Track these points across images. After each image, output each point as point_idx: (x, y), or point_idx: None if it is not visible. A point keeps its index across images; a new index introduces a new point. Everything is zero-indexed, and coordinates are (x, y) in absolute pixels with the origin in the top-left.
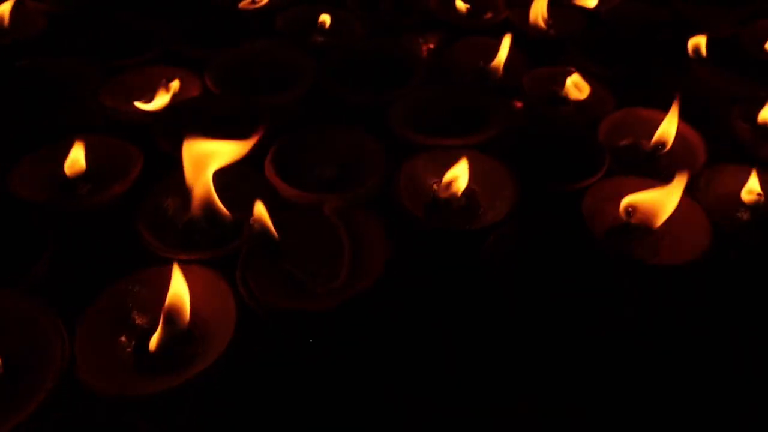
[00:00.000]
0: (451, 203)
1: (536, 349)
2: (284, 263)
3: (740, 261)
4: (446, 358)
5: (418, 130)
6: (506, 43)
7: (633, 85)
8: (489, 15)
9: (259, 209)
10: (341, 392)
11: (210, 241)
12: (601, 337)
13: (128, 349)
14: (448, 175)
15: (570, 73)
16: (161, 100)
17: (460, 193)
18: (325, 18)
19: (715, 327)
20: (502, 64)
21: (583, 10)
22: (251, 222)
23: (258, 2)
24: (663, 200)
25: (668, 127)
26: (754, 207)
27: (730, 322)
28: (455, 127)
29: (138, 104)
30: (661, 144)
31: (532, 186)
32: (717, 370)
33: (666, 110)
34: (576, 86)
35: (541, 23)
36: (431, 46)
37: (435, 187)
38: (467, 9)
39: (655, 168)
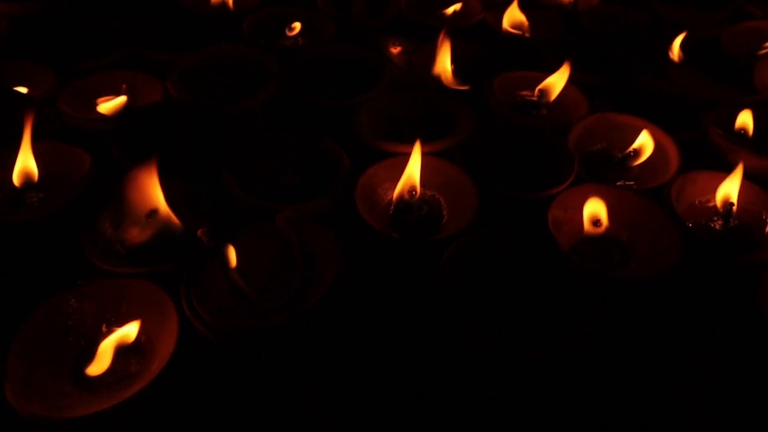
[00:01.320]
0: (411, 212)
1: (492, 366)
2: (233, 277)
3: (712, 271)
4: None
5: (384, 136)
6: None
7: (609, 89)
8: (464, 17)
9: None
10: (290, 407)
11: (160, 254)
12: (562, 351)
13: (66, 368)
14: (400, 184)
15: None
16: (118, 105)
17: (414, 200)
18: (296, 24)
19: (683, 338)
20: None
21: (560, 12)
22: (200, 235)
23: (229, 4)
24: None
25: (646, 138)
26: (726, 215)
27: (700, 332)
28: (423, 132)
29: (101, 107)
30: (635, 153)
31: (496, 194)
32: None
33: (641, 116)
34: (547, 89)
35: (514, 30)
36: (404, 48)
37: (391, 195)
38: (454, 11)
39: (627, 175)
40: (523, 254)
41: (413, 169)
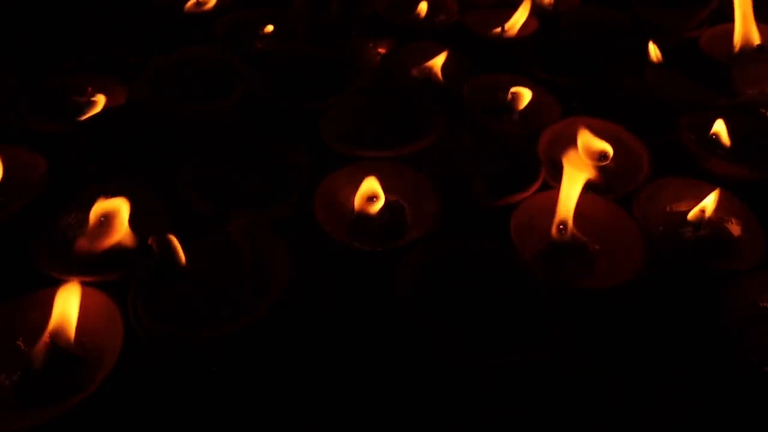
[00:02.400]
0: (373, 220)
1: (454, 378)
2: (183, 286)
3: (677, 281)
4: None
5: (354, 140)
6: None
7: (585, 92)
8: (440, 18)
9: (162, 231)
10: (238, 420)
11: (113, 261)
12: (520, 361)
13: (10, 379)
14: (361, 191)
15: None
16: (82, 110)
17: (376, 209)
18: (268, 26)
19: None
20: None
21: (539, 14)
22: (151, 242)
23: (204, 4)
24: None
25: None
26: (697, 224)
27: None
28: (392, 136)
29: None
30: (602, 156)
31: (460, 201)
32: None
33: (617, 120)
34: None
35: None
36: (381, 50)
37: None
38: (425, 12)
39: (598, 180)
40: (483, 262)
41: (373, 186)
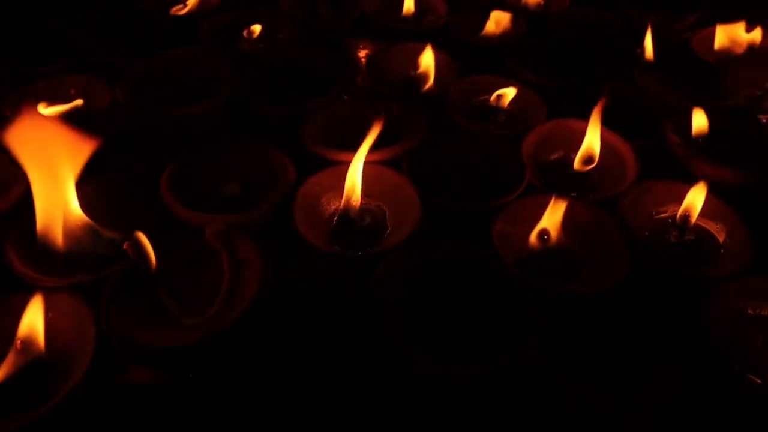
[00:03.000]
0: (353, 223)
1: (430, 383)
2: (158, 291)
3: (661, 286)
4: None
5: (338, 144)
6: (428, 54)
7: (572, 94)
8: (428, 20)
9: (137, 234)
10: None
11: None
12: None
13: None
14: (346, 191)
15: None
16: (59, 110)
17: (356, 211)
18: (255, 27)
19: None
20: (430, 73)
21: (528, 15)
22: (126, 247)
23: (189, 6)
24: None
25: (592, 140)
26: (682, 227)
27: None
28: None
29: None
30: (588, 159)
31: (439, 205)
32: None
33: (605, 122)
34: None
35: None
36: (368, 52)
37: (335, 205)
38: (412, 13)
39: (585, 184)
40: (465, 268)
41: (353, 179)
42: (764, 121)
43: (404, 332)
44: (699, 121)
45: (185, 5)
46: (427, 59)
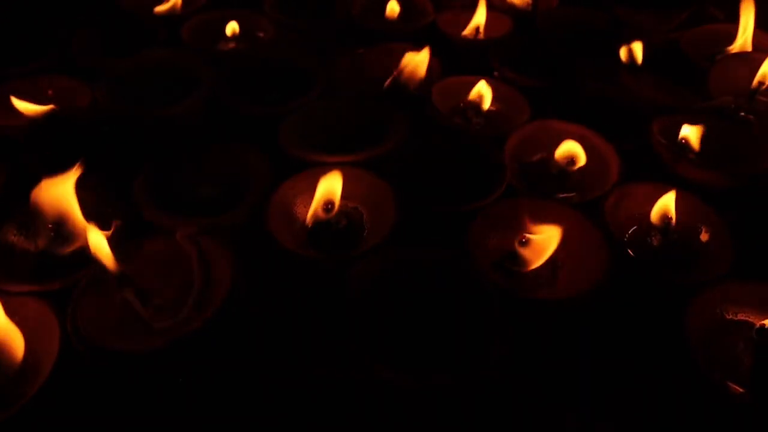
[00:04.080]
0: (329, 226)
1: (400, 392)
2: (127, 294)
3: (640, 291)
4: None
5: (317, 145)
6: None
7: (557, 95)
8: (415, 19)
9: (97, 237)
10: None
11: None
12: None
13: None
14: (318, 197)
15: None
16: (35, 110)
17: (332, 214)
18: (234, 26)
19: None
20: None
21: (515, 14)
22: (92, 251)
23: (170, 3)
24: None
25: (572, 143)
26: (664, 231)
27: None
28: (355, 141)
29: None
30: (569, 160)
31: (417, 207)
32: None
33: (591, 123)
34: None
35: (473, 32)
36: (352, 52)
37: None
38: (398, 14)
39: (567, 186)
40: (437, 272)
41: (329, 182)
42: (752, 121)
43: (371, 340)
44: (687, 131)
45: (168, 3)
46: (410, 59)
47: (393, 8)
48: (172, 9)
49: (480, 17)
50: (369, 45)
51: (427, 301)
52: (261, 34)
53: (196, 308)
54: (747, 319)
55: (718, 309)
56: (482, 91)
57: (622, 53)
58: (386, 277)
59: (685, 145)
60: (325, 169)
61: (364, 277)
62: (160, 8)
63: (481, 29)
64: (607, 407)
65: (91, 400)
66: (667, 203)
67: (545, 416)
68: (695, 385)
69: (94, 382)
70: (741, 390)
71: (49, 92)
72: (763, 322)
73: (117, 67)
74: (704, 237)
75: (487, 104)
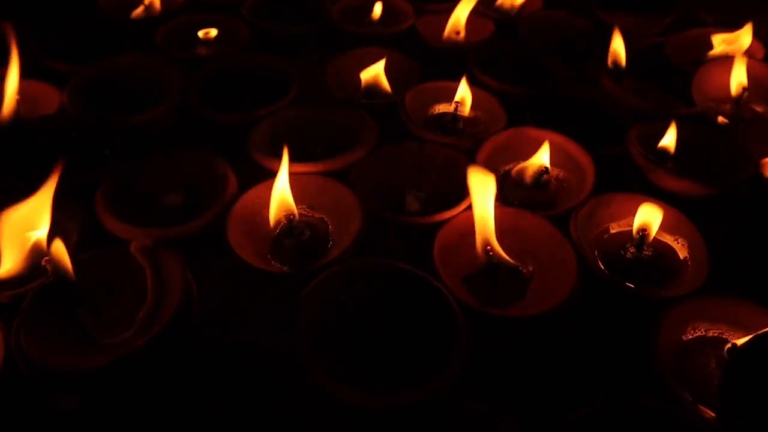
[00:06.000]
0: (292, 237)
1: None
2: (77, 309)
3: (611, 308)
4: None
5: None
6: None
7: (538, 101)
8: (394, 23)
9: (57, 247)
10: None
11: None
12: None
13: None
14: (273, 207)
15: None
16: None
17: (294, 224)
18: (208, 30)
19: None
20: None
21: (498, 19)
22: (44, 262)
23: (152, 9)
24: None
25: (542, 152)
26: (639, 243)
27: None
28: (325, 149)
29: None
30: (542, 169)
31: (385, 219)
32: None
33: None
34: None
35: (455, 35)
36: (329, 57)
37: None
38: (378, 17)
39: (542, 196)
40: (399, 286)
41: (284, 191)
42: (735, 129)
43: (326, 357)
44: (667, 140)
45: (146, 8)
46: (380, 66)
47: (376, 11)
48: (149, 12)
49: (457, 18)
50: (348, 49)
51: (388, 316)
52: (237, 39)
53: (148, 324)
54: (721, 336)
55: (691, 326)
56: (464, 99)
57: (604, 57)
58: (346, 291)
59: (663, 153)
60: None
61: (321, 292)
62: (137, 12)
63: (462, 32)
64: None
65: (34, 420)
66: (643, 215)
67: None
68: (665, 405)
69: (38, 400)
70: (710, 411)
71: (17, 97)
72: (734, 340)
73: (86, 73)
74: (679, 250)
75: (466, 111)
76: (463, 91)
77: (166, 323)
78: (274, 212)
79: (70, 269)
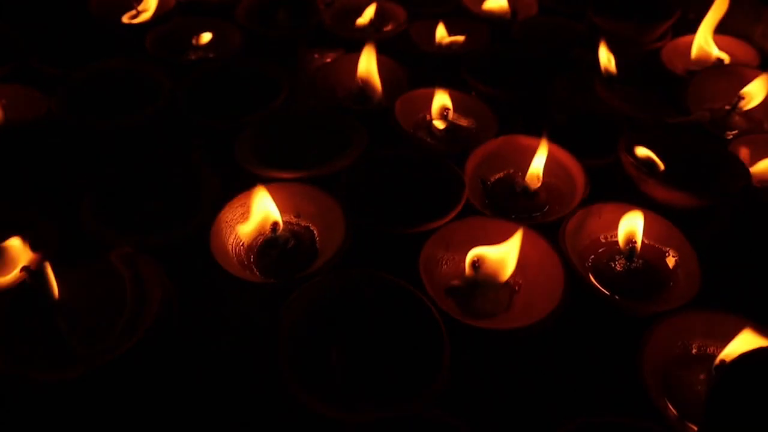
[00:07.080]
0: (276, 246)
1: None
2: (55, 319)
3: (599, 321)
4: None
5: (272, 160)
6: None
7: (528, 108)
8: (387, 28)
9: (36, 258)
10: None
11: None
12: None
13: None
14: (254, 216)
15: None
16: None
17: (278, 233)
18: (204, 36)
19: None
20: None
21: (493, 24)
22: (22, 272)
23: (142, 13)
24: (505, 257)
25: (538, 161)
26: (628, 255)
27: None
28: (314, 156)
29: None
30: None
31: (370, 228)
32: None
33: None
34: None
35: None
36: (326, 61)
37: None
38: (370, 22)
39: (532, 205)
40: (383, 298)
41: (260, 200)
42: (730, 138)
43: (306, 370)
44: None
45: (137, 12)
46: (371, 68)
47: (367, 16)
48: (141, 17)
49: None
50: (342, 53)
51: (371, 327)
52: (229, 43)
53: (127, 334)
54: (712, 352)
55: (681, 341)
56: (448, 105)
57: (600, 64)
58: (328, 302)
59: (654, 162)
60: (277, 186)
61: (303, 303)
62: (129, 16)
63: (455, 39)
64: None
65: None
66: (632, 226)
67: None
68: (652, 423)
69: (12, 411)
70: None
71: (2, 101)
72: (722, 357)
73: (75, 77)
74: (670, 262)
75: (450, 117)
76: (442, 101)
77: (145, 332)
78: (253, 227)
79: (49, 277)
